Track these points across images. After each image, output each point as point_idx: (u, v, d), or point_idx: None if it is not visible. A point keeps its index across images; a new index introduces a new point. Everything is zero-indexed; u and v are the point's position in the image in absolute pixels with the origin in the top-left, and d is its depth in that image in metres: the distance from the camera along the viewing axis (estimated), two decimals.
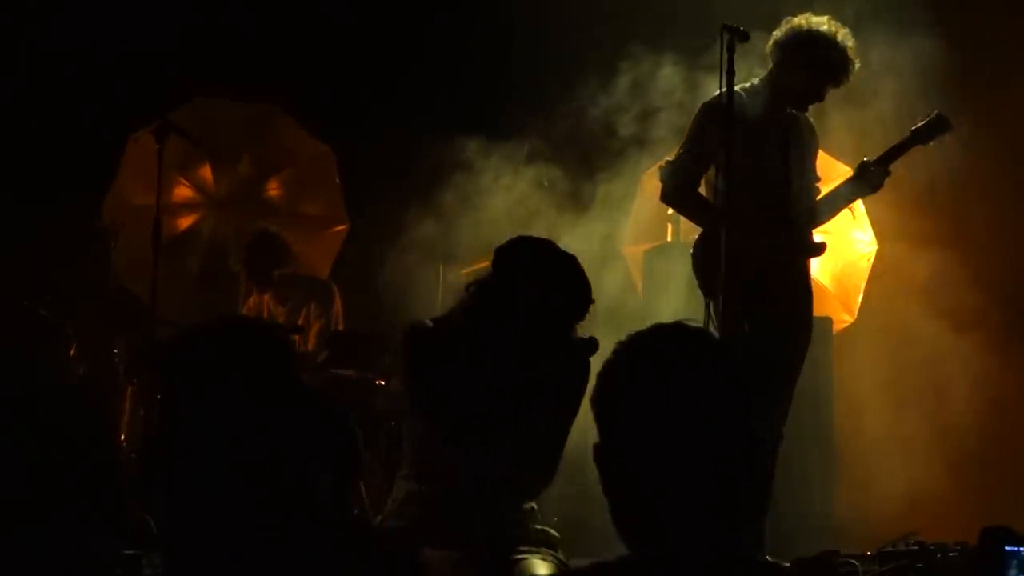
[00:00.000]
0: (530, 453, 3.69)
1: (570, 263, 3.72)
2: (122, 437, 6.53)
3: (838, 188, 5.41)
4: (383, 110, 7.85)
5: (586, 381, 3.71)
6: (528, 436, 3.67)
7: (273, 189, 8.10)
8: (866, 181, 5.30)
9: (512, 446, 3.65)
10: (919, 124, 5.30)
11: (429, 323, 3.77)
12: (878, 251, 6.98)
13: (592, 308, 3.75)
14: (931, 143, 5.31)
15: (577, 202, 6.94)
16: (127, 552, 5.22)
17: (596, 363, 1.99)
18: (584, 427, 2.51)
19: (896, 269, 7.09)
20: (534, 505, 3.77)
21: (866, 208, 6.47)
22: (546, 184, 7.02)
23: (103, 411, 5.95)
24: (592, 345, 3.73)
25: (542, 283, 3.66)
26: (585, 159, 7.06)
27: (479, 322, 3.70)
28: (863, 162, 5.33)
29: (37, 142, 7.78)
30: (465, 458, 3.65)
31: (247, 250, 7.28)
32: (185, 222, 8.03)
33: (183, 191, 8.00)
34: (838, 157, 6.34)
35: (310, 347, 7.02)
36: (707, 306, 5.02)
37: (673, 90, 6.20)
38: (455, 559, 3.48)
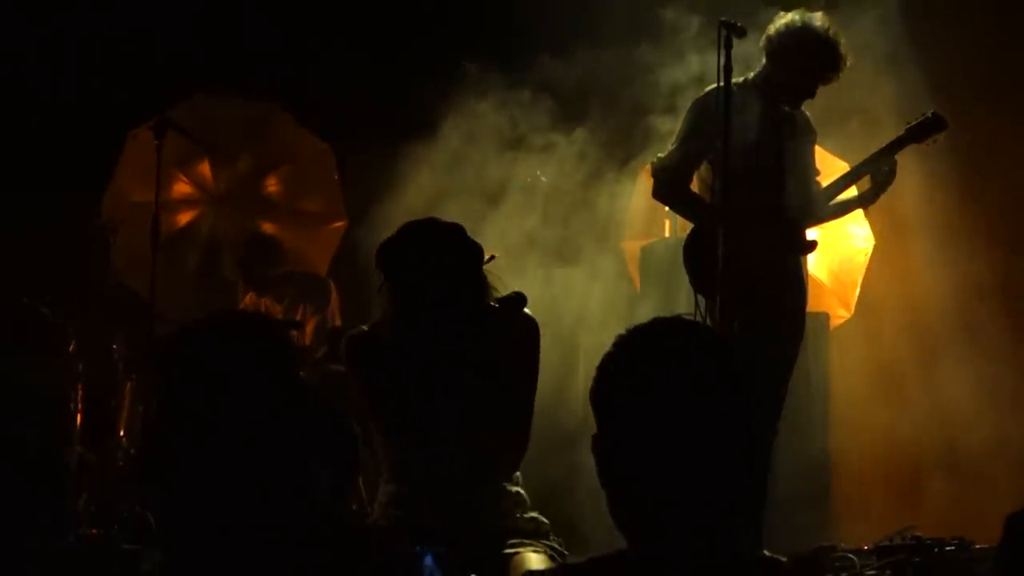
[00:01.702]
0: (492, 428, 3.68)
1: (444, 234, 3.68)
2: (121, 434, 6.55)
3: (848, 181, 5.39)
4: (385, 105, 7.83)
5: (532, 337, 3.72)
6: (484, 412, 3.66)
7: (272, 186, 8.10)
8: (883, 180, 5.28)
9: (469, 429, 3.65)
10: (914, 122, 5.31)
11: (364, 328, 3.78)
12: (875, 246, 6.98)
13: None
14: (925, 142, 5.32)
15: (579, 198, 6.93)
16: (125, 547, 5.25)
17: (595, 357, 1.99)
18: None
19: (893, 264, 7.10)
20: (520, 490, 3.76)
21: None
22: (543, 179, 7.01)
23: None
24: (519, 300, 3.70)
25: (420, 265, 3.65)
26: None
27: (396, 319, 3.71)
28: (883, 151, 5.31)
29: (36, 139, 7.77)
30: (424, 455, 3.66)
31: (240, 256, 7.32)
32: (184, 218, 8.03)
33: (182, 187, 8.00)
34: (833, 152, 6.35)
35: (307, 343, 7.03)
36: (697, 302, 5.03)
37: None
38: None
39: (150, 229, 6.38)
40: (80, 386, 6.29)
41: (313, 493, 2.07)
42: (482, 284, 3.70)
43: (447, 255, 3.65)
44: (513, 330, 3.70)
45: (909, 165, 5.44)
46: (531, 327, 3.74)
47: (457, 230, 3.70)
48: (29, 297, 6.25)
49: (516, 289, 3.74)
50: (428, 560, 3.33)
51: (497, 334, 3.68)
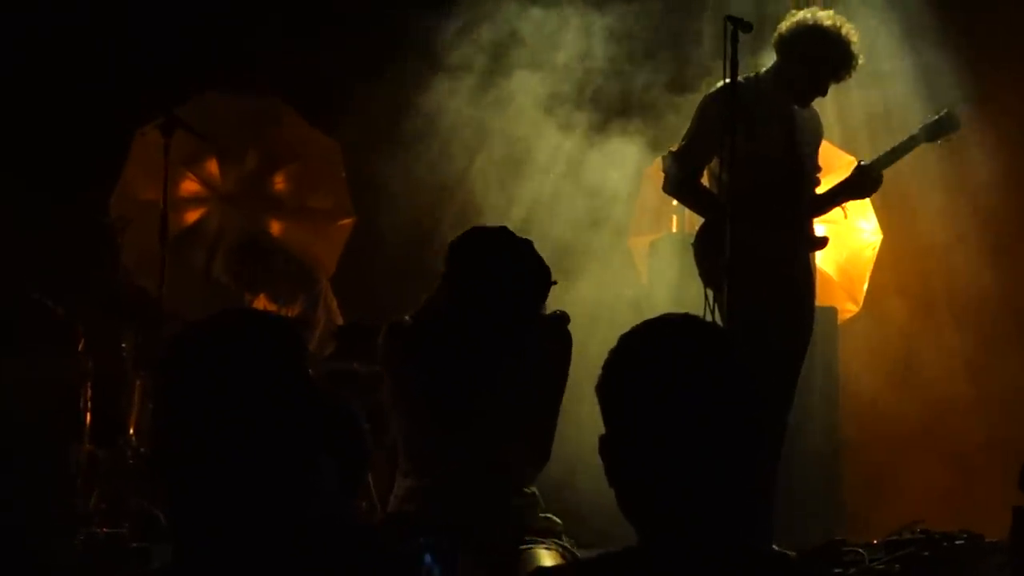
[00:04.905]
0: (518, 435, 3.71)
1: (523, 249, 3.73)
2: (131, 431, 6.56)
3: (832, 190, 5.41)
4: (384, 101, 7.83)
5: (566, 355, 3.75)
6: (513, 419, 3.68)
7: (279, 183, 8.09)
8: (860, 186, 5.32)
9: (498, 431, 3.67)
10: (928, 121, 5.29)
11: (407, 319, 3.80)
12: (883, 240, 6.97)
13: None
14: (939, 141, 5.30)
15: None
16: (135, 545, 5.26)
17: (603, 353, 1.99)
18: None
19: (902, 258, 7.10)
20: (535, 491, 3.79)
21: (871, 198, 6.45)
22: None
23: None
24: (563, 319, 3.76)
25: (495, 272, 3.68)
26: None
27: (445, 315, 3.73)
28: (859, 166, 5.33)
29: (45, 137, 7.78)
30: (453, 449, 3.68)
31: (234, 264, 7.33)
32: (192, 216, 8.04)
33: (190, 185, 8.00)
34: (843, 147, 6.34)
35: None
36: (706, 296, 5.03)
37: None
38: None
39: (158, 227, 6.39)
40: (89, 383, 6.30)
41: (322, 490, 2.07)
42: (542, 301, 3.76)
43: (526, 270, 3.70)
44: (554, 344, 3.73)
45: (922, 157, 5.42)
46: (567, 343, 3.77)
47: (530, 246, 3.74)
48: (39, 294, 6.26)
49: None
50: (427, 559, 3.33)
51: (543, 345, 3.72)
